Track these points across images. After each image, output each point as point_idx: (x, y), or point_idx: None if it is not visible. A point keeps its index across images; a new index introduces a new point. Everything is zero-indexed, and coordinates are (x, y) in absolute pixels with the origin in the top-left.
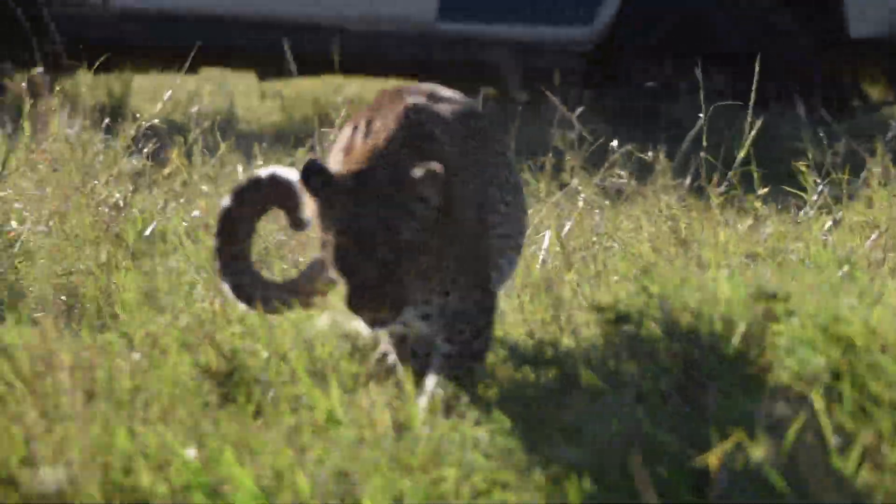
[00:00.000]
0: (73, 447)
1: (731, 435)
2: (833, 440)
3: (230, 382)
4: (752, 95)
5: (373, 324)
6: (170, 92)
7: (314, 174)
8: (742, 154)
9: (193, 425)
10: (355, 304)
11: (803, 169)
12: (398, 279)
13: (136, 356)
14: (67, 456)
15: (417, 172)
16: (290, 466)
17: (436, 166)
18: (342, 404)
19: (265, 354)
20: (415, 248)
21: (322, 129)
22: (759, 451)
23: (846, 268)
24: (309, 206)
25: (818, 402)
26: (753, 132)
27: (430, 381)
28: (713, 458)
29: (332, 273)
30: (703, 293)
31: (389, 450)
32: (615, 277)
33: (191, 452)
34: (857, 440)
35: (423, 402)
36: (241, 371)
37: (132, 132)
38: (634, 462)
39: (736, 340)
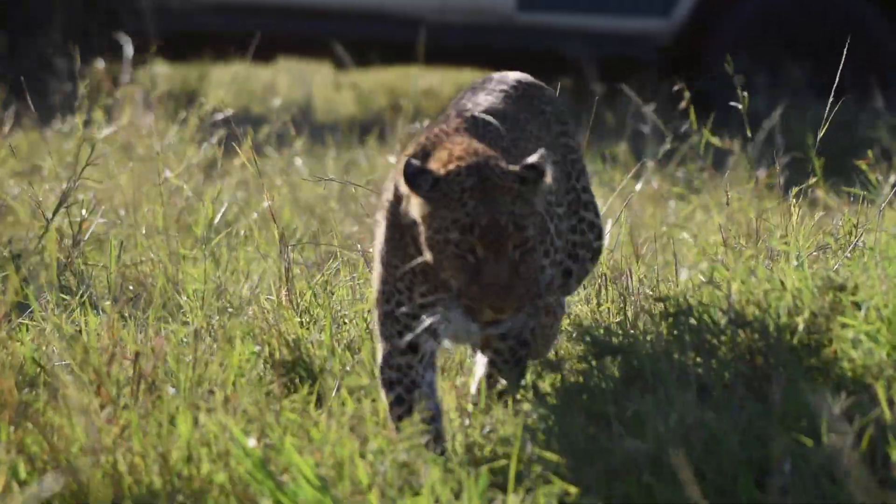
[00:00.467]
0: (134, 436)
1: (794, 427)
2: None
3: (294, 372)
4: (834, 87)
5: (490, 323)
6: (231, 82)
7: (419, 173)
8: (814, 145)
9: (256, 415)
10: (485, 303)
11: (875, 160)
12: (524, 276)
13: (200, 346)
14: (128, 444)
15: (539, 161)
16: (350, 456)
17: (544, 153)
18: None
19: (329, 344)
20: (535, 242)
21: (398, 119)
22: (822, 445)
23: None
24: (414, 207)
25: (882, 395)
26: (825, 125)
27: (482, 371)
28: (776, 451)
29: (445, 273)
30: (770, 284)
31: (450, 441)
32: (684, 268)
33: (252, 442)
34: None
35: (475, 391)
36: (305, 361)
37: (201, 120)
38: (678, 458)
39: (801, 332)
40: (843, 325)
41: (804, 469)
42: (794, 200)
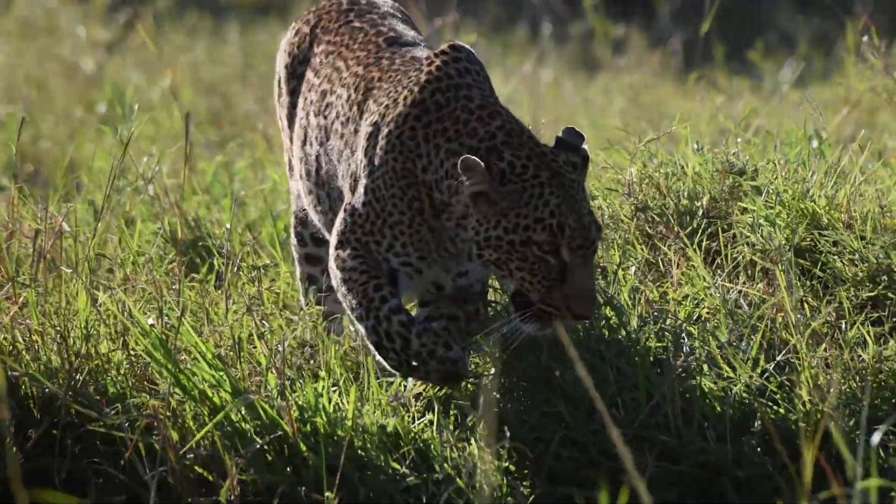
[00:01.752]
0: (33, 314)
1: (693, 310)
2: (794, 317)
3: (194, 252)
4: None
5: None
6: None
7: (481, 167)
8: (706, 28)
9: (155, 294)
10: (571, 312)
11: (773, 47)
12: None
13: (101, 225)
14: (27, 322)
15: (582, 145)
16: (249, 337)
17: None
18: None
19: (229, 224)
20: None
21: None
22: (719, 328)
23: (815, 144)
24: (476, 202)
25: (781, 279)
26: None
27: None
28: (673, 335)
29: (511, 272)
30: (671, 168)
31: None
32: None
33: (151, 321)
34: (819, 316)
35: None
36: (206, 240)
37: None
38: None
39: (701, 216)
40: (743, 210)
41: (702, 351)
42: (694, 85)
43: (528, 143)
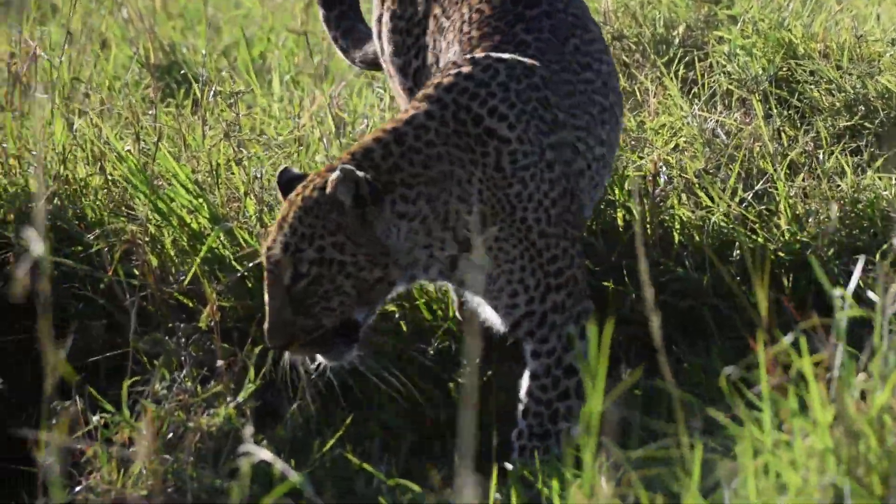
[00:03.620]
0: (9, 138)
1: (667, 137)
2: (772, 146)
3: (169, 77)
4: None
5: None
6: None
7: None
8: None
9: (131, 119)
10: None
11: None
12: (308, 312)
13: (75, 49)
14: (4, 146)
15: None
16: (227, 162)
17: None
18: (282, 101)
19: (204, 50)
20: (334, 273)
21: None
22: (697, 157)
23: None
24: None
25: (758, 109)
26: None
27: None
28: (650, 164)
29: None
30: None
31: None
32: None
33: (128, 146)
34: (796, 146)
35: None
36: (181, 66)
37: None
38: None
39: (677, 45)
40: (720, 39)
41: (680, 180)
42: None
43: (346, 159)
